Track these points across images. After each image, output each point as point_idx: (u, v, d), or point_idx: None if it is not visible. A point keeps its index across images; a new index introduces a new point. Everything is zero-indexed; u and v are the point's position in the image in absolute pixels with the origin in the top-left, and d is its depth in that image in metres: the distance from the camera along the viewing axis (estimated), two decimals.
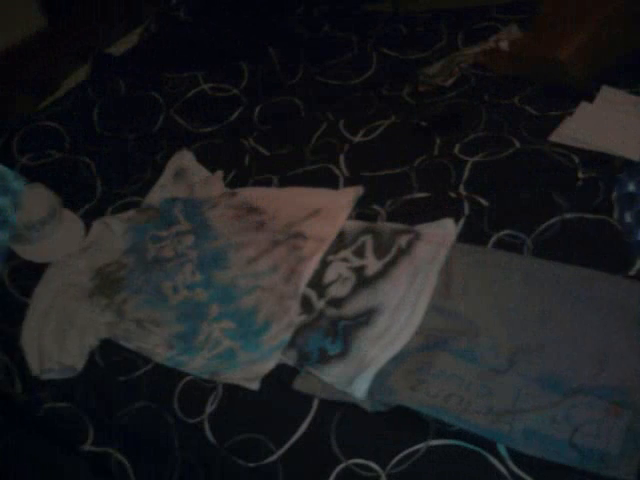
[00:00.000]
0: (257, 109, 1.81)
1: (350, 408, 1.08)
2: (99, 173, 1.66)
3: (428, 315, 1.17)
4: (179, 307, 1.32)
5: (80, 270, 1.42)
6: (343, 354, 1.14)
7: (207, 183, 1.58)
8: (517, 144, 1.44)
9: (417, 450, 1.00)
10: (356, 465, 1.02)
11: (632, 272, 1.14)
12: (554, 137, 1.43)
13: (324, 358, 1.15)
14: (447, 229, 1.29)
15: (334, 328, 1.19)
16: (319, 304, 1.24)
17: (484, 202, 1.33)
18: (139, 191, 1.63)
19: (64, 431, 1.22)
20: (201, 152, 1.69)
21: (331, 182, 1.51)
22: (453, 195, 1.37)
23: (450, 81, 1.73)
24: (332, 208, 1.42)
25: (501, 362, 1.07)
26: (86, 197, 1.63)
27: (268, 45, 1.94)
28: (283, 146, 1.67)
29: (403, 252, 1.27)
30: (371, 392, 1.08)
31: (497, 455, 0.97)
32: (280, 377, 1.16)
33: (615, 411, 0.95)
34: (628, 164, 1.32)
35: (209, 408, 1.15)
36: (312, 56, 1.97)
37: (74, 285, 1.39)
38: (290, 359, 1.18)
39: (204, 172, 1.63)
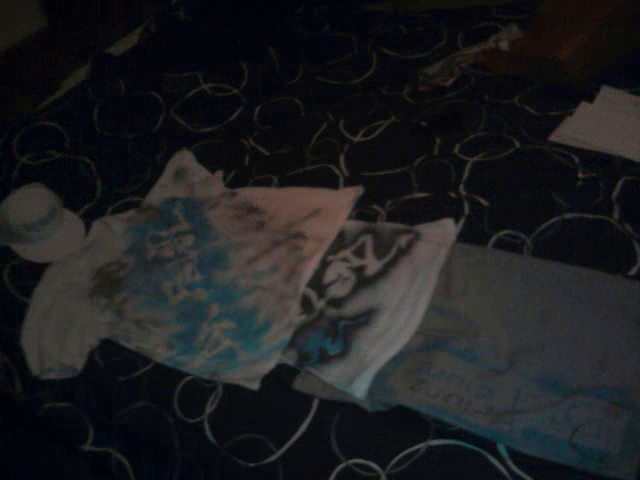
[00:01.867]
0: (257, 109, 1.81)
1: (350, 408, 1.08)
2: (99, 173, 1.66)
3: (428, 315, 1.17)
4: (179, 307, 1.32)
5: (80, 270, 1.42)
6: (343, 354, 1.14)
7: (207, 183, 1.58)
8: (517, 144, 1.44)
9: (417, 450, 1.00)
10: (356, 465, 1.02)
11: (632, 272, 1.14)
12: (554, 137, 1.43)
13: (324, 358, 1.15)
14: (447, 229, 1.29)
15: (334, 328, 1.19)
16: (319, 304, 1.24)
17: (484, 202, 1.33)
18: (139, 191, 1.63)
19: (64, 431, 1.22)
20: (201, 152, 1.69)
21: (331, 182, 1.51)
22: (453, 195, 1.37)
23: (450, 81, 1.73)
24: (332, 208, 1.42)
25: (501, 362, 1.07)
26: (86, 197, 1.63)
27: (268, 45, 1.94)
28: (283, 146, 1.67)
29: (403, 252, 1.27)
30: (371, 392, 1.08)
31: (497, 455, 0.97)
32: (280, 377, 1.16)
33: (615, 411, 0.95)
34: (628, 164, 1.32)
35: (209, 408, 1.15)
36: (312, 56, 1.97)
37: (74, 285, 1.39)
38: (290, 359, 1.18)
39: (204, 172, 1.63)
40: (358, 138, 1.62)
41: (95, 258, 1.46)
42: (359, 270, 1.27)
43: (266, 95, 1.85)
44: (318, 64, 1.95)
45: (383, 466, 1.01)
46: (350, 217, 1.40)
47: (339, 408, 1.09)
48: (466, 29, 1.90)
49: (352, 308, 1.21)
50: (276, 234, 1.39)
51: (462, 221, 1.31)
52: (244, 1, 2.15)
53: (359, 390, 1.08)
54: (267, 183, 1.56)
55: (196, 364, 1.22)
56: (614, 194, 1.26)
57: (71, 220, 1.54)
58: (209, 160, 1.66)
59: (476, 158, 1.44)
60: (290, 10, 2.17)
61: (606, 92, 1.51)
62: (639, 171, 1.30)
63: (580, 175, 1.33)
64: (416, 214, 1.35)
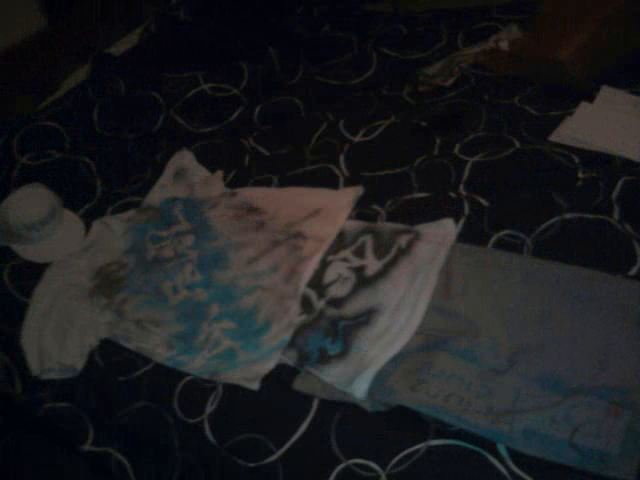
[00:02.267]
0: (257, 109, 1.81)
1: (350, 408, 1.08)
2: (99, 173, 1.66)
3: (428, 315, 1.17)
4: (179, 307, 1.32)
5: (80, 270, 1.42)
6: (343, 354, 1.14)
7: (207, 183, 1.58)
8: (517, 144, 1.44)
9: (417, 450, 1.00)
10: (356, 465, 1.02)
11: (632, 272, 1.14)
12: (554, 137, 1.43)
13: (324, 358, 1.15)
14: (447, 229, 1.29)
15: (334, 328, 1.19)
16: (319, 304, 1.24)
17: (484, 202, 1.33)
18: (139, 191, 1.63)
19: (64, 431, 1.22)
20: (201, 152, 1.69)
21: (331, 182, 1.51)
22: (453, 195, 1.37)
23: (450, 81, 1.73)
24: (332, 208, 1.42)
25: (501, 362, 1.07)
26: (86, 197, 1.63)
27: (268, 45, 1.94)
28: (283, 146, 1.67)
29: (403, 252, 1.27)
30: (371, 392, 1.08)
31: (497, 455, 0.97)
32: (280, 377, 1.16)
33: (615, 411, 0.95)
34: (628, 164, 1.32)
35: (209, 408, 1.15)
36: (312, 56, 1.97)
37: (74, 285, 1.39)
38: (290, 359, 1.18)
39: (204, 172, 1.63)
40: (358, 138, 1.62)
41: (95, 258, 1.45)
42: (359, 270, 1.27)
43: (266, 95, 1.85)
44: (318, 64, 1.95)
45: (383, 466, 1.01)
46: (350, 217, 1.40)
47: (339, 408, 1.09)
48: (466, 29, 1.90)
49: (352, 308, 1.21)
50: (276, 234, 1.39)
51: (462, 221, 1.31)
52: (244, 1, 2.15)
53: (359, 390, 1.08)
54: (267, 183, 1.56)
55: (196, 364, 1.22)
56: (614, 194, 1.26)
57: (71, 220, 1.54)
58: (209, 160, 1.66)
59: (476, 158, 1.44)
60: (290, 10, 2.17)
61: (606, 92, 1.51)
62: (639, 171, 1.30)
63: (580, 175, 1.33)
64: (416, 214, 1.35)
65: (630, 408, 0.96)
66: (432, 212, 1.34)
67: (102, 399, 1.22)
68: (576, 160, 1.36)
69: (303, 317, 1.23)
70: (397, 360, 1.12)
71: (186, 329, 1.28)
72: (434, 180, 1.43)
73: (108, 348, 1.29)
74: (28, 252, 1.48)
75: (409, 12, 2.13)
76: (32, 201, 1.46)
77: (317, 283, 1.28)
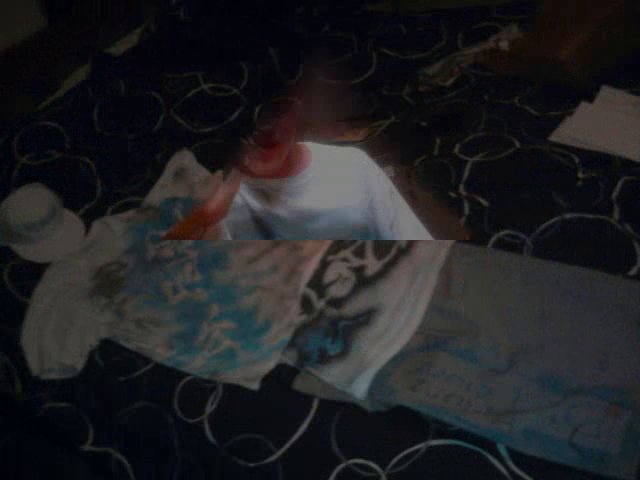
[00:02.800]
0: (257, 109, 1.81)
1: (350, 408, 1.08)
2: (99, 173, 1.66)
3: (428, 315, 1.17)
4: (179, 307, 1.32)
5: (80, 270, 1.42)
6: (343, 354, 1.14)
7: (207, 183, 1.58)
8: (517, 144, 1.44)
9: (417, 450, 1.00)
10: (356, 465, 1.02)
11: (632, 272, 1.14)
12: (554, 137, 1.43)
13: (324, 358, 1.15)
14: None
15: (334, 328, 1.19)
16: (319, 304, 1.24)
17: (484, 202, 1.33)
18: (139, 191, 1.62)
19: (64, 431, 1.22)
20: (201, 152, 1.69)
21: None
22: (453, 195, 1.37)
23: (450, 81, 1.73)
24: None
25: (501, 362, 1.07)
26: (86, 197, 1.63)
27: (268, 45, 1.95)
28: None
29: (403, 252, 1.27)
30: (371, 392, 1.08)
31: (497, 455, 0.97)
32: (280, 377, 1.16)
33: (615, 411, 0.95)
34: (628, 164, 1.32)
35: (209, 408, 1.15)
36: (312, 56, 1.97)
37: (74, 285, 1.39)
38: (290, 359, 1.18)
39: (204, 172, 1.63)
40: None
41: (95, 258, 1.45)
42: (359, 270, 1.27)
43: (266, 95, 1.85)
44: (318, 64, 1.95)
45: (383, 466, 1.01)
46: None
47: (339, 408, 1.09)
48: (466, 29, 1.90)
49: (352, 308, 1.21)
50: None
51: (462, 221, 1.31)
52: (244, 1, 2.15)
53: (359, 390, 1.08)
54: None
55: (196, 364, 1.22)
56: (614, 194, 1.26)
57: (71, 220, 1.54)
58: (209, 160, 1.66)
59: (476, 158, 1.44)
60: (290, 10, 2.17)
61: (606, 92, 1.51)
62: (639, 171, 1.30)
63: (580, 175, 1.33)
64: None
65: (630, 408, 0.96)
66: None
67: (102, 399, 1.22)
68: (576, 160, 1.36)
69: (303, 317, 1.23)
70: (397, 360, 1.12)
71: (186, 329, 1.28)
72: (434, 180, 1.43)
73: (108, 348, 1.29)
74: (28, 252, 1.47)
75: (409, 12, 2.13)
76: (32, 201, 1.46)
77: (317, 283, 1.28)
